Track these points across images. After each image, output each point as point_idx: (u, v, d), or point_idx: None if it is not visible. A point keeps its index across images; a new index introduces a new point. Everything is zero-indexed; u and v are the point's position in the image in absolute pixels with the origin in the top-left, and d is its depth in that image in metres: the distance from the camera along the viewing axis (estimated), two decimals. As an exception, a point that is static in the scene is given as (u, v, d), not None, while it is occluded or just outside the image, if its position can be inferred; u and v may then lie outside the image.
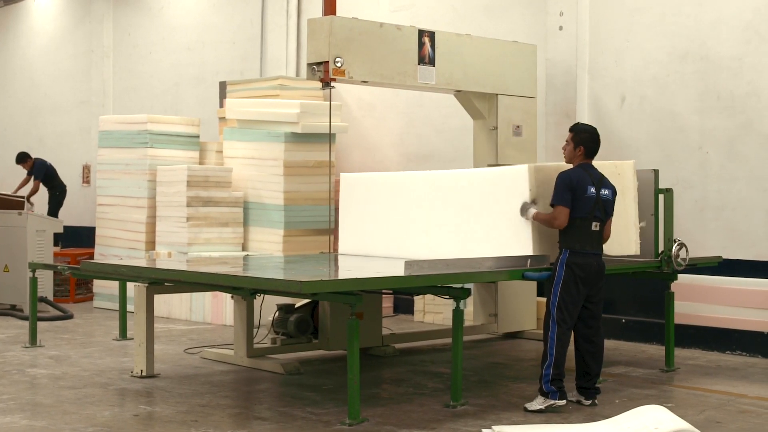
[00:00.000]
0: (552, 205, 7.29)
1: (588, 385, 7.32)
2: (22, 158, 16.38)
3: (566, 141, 7.45)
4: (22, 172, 16.59)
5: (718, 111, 9.96)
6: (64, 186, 16.51)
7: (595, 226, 7.21)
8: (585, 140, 7.34)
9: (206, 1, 16.12)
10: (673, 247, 8.36)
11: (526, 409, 7.02)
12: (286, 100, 12.30)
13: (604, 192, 7.28)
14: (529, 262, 7.48)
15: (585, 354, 7.34)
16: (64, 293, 13.55)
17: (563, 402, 7.02)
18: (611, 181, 7.54)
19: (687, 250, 8.44)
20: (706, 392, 7.78)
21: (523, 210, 7.66)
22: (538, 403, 7.01)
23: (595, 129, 7.47)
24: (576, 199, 7.15)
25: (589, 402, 7.27)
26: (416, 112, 12.96)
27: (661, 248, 8.43)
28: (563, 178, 7.22)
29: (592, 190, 7.19)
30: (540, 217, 7.48)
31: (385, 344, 9.44)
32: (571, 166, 7.37)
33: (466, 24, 11.92)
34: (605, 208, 7.28)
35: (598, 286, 7.28)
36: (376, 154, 13.14)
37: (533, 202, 7.64)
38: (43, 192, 16.43)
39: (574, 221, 7.17)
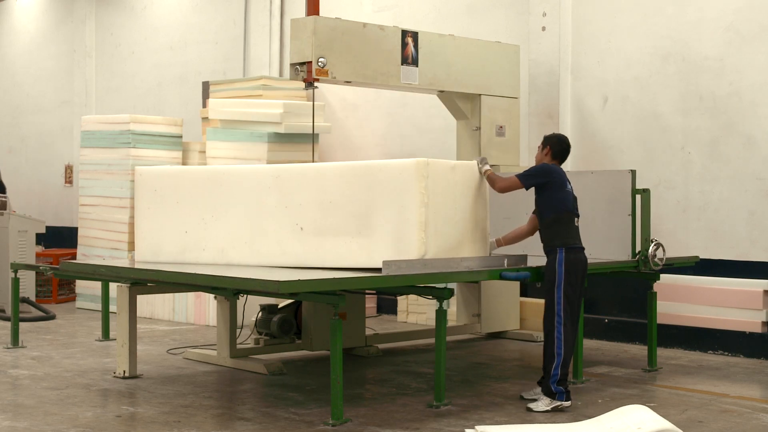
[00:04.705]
0: (516, 176, 7.32)
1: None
2: None
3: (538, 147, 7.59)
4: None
5: (700, 111, 10.00)
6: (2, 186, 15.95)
7: (576, 221, 7.27)
8: (552, 142, 7.45)
9: (189, 1, 16.08)
10: (650, 248, 8.38)
11: (530, 410, 6.97)
12: (269, 100, 12.28)
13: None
14: (506, 261, 7.48)
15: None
16: (47, 294, 13.50)
17: (568, 403, 7.01)
18: None
19: (664, 250, 8.46)
20: (688, 392, 7.81)
21: (481, 162, 7.52)
22: (544, 404, 6.97)
23: (565, 137, 7.57)
24: (556, 191, 7.18)
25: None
26: (399, 112, 12.96)
27: (638, 248, 8.46)
28: (543, 165, 7.36)
29: (569, 186, 7.28)
30: (491, 176, 7.42)
31: (369, 344, 9.44)
32: None
33: (449, 24, 11.93)
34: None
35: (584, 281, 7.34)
36: (359, 154, 13.12)
37: (484, 159, 7.54)
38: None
39: (562, 216, 7.17)
